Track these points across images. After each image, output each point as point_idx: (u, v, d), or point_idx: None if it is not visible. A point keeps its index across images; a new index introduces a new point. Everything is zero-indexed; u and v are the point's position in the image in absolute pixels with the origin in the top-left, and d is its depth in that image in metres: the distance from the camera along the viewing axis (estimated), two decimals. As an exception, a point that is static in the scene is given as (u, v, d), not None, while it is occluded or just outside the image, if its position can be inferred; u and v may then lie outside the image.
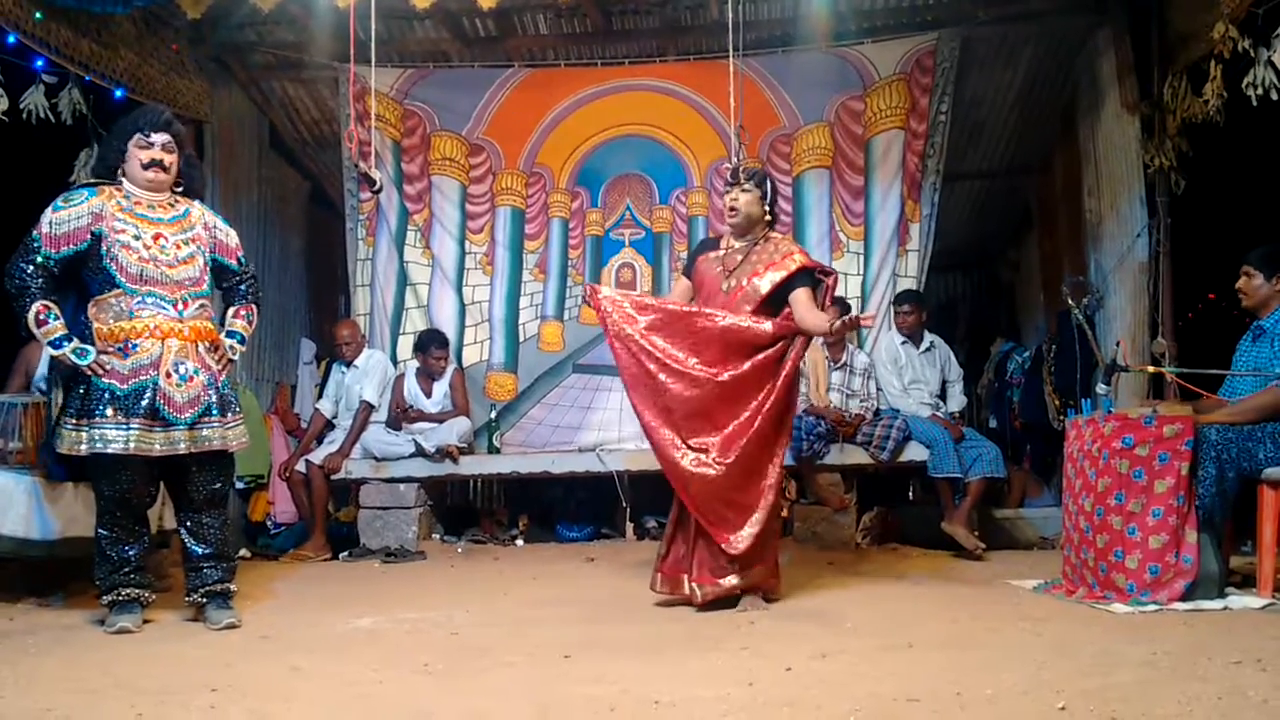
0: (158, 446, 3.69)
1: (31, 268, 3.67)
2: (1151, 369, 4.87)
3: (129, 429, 3.64)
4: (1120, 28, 6.13)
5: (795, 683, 2.71)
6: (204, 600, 3.84)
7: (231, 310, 4.08)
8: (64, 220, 3.70)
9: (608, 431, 6.62)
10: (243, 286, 4.10)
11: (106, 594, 3.74)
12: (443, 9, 6.22)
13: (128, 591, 3.73)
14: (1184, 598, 3.66)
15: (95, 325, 3.71)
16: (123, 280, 3.71)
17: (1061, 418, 6.30)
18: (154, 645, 3.45)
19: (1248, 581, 3.99)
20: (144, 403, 3.66)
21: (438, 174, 7.00)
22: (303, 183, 8.14)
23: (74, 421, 3.68)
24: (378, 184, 5.14)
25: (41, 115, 5.39)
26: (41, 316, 3.65)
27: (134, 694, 2.70)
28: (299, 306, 8.05)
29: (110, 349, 3.68)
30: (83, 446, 3.65)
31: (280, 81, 7.28)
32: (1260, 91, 4.64)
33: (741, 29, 5.49)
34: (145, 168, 3.83)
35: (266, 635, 3.59)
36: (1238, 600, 3.69)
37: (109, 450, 3.63)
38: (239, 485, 6.47)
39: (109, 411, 3.63)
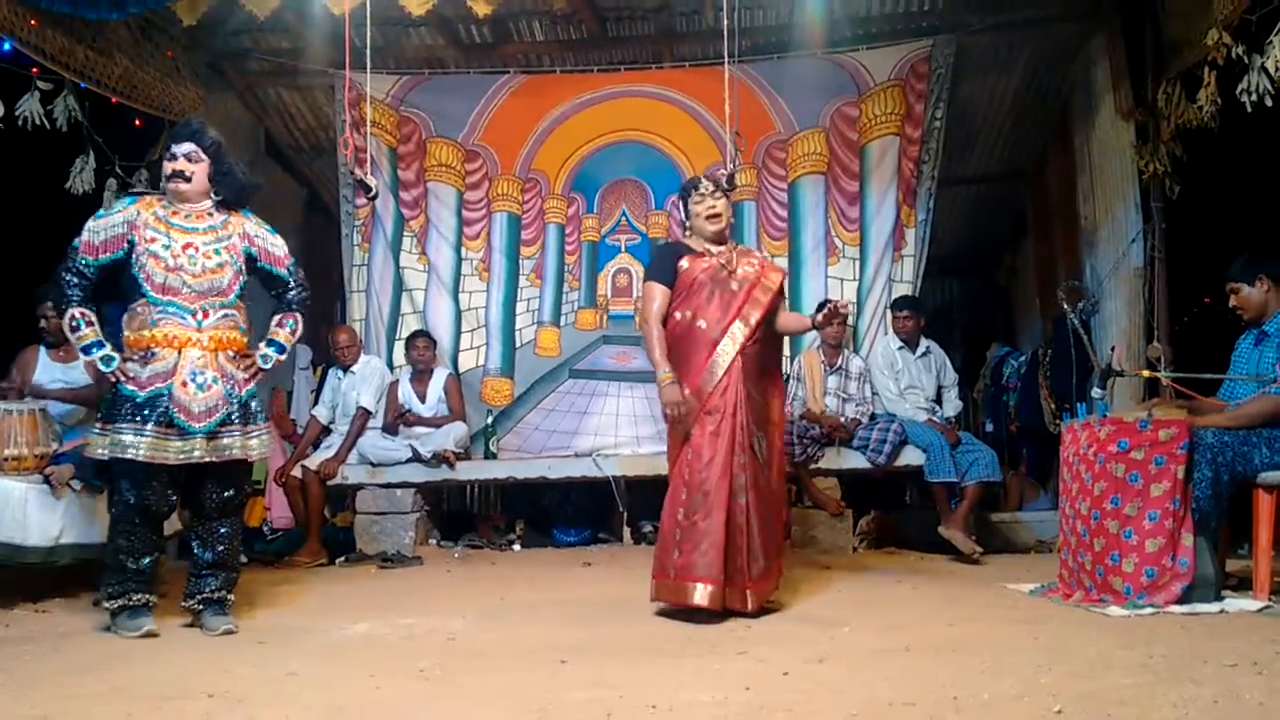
0: (171, 455, 3.70)
1: (71, 275, 3.76)
2: (1147, 373, 4.87)
3: (143, 435, 3.67)
4: (1114, 34, 6.15)
5: (793, 687, 2.71)
6: (200, 607, 3.84)
7: (276, 319, 4.15)
8: (102, 229, 3.78)
9: (604, 436, 6.62)
10: (289, 295, 4.16)
11: (115, 599, 3.71)
12: (438, 15, 6.22)
13: (139, 596, 3.73)
14: (1180, 601, 3.66)
15: (125, 333, 3.79)
16: (148, 289, 3.77)
17: (1057, 422, 6.30)
18: (150, 651, 3.44)
19: (1244, 584, 3.99)
20: (159, 411, 3.69)
21: (434, 180, 7.00)
22: (298, 189, 8.15)
23: (100, 426, 3.73)
24: (373, 190, 5.14)
25: (37, 122, 5.39)
26: (75, 323, 3.74)
27: (130, 700, 2.70)
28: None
29: (133, 356, 3.74)
30: (103, 451, 3.69)
31: (276, 88, 7.30)
32: (1254, 98, 4.64)
33: (737, 35, 5.51)
34: (169, 179, 3.91)
35: (263, 641, 3.59)
36: (1234, 603, 3.69)
37: (125, 455, 3.65)
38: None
39: (128, 418, 3.68)
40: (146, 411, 3.68)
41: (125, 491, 3.72)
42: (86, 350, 3.75)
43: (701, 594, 3.75)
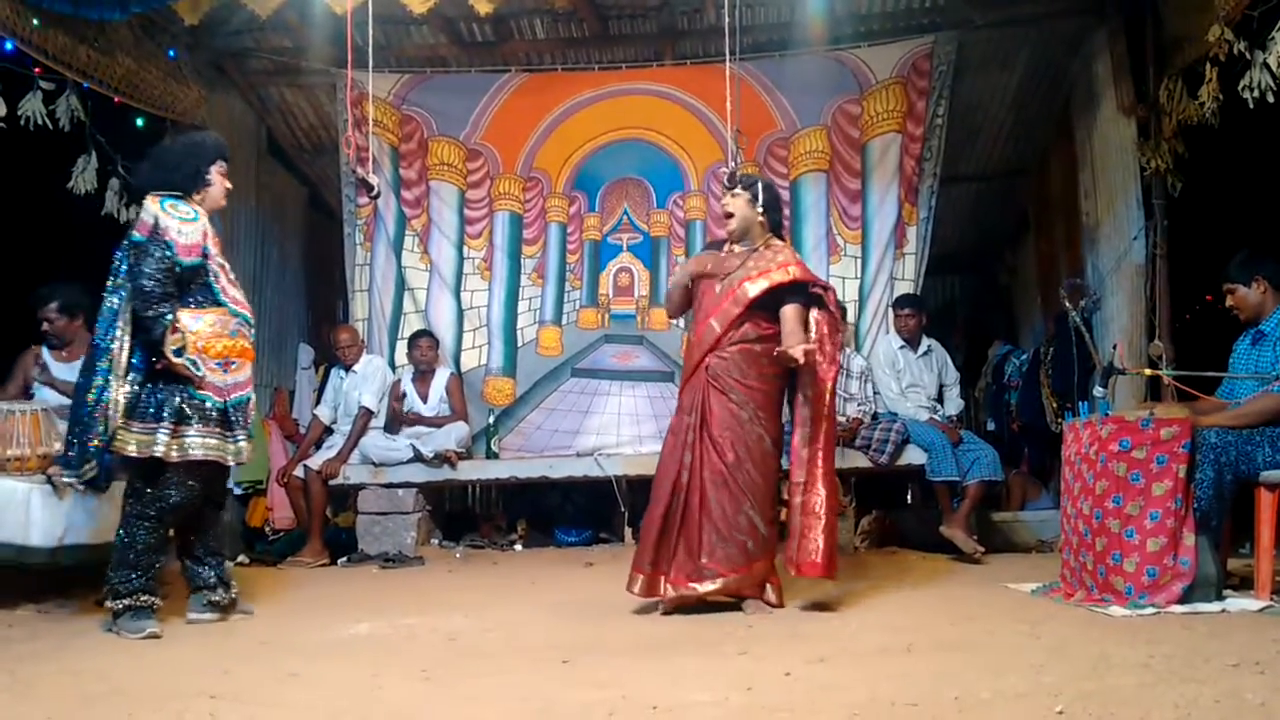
0: (244, 454, 3.96)
1: (168, 273, 3.73)
2: (1148, 371, 4.87)
3: (236, 440, 3.87)
4: (1116, 31, 6.14)
5: (794, 687, 2.71)
6: (236, 595, 4.02)
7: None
8: (191, 232, 3.81)
9: (606, 436, 6.62)
10: None
11: (125, 598, 3.72)
12: (440, 14, 6.23)
13: (146, 598, 3.76)
14: (1182, 600, 3.66)
15: (189, 336, 3.77)
16: (226, 300, 3.89)
17: (1059, 420, 6.30)
18: (152, 652, 3.45)
19: (1245, 584, 3.99)
20: (242, 416, 3.90)
21: (435, 179, 7.00)
22: (300, 188, 8.15)
23: (171, 428, 3.73)
24: (375, 189, 5.14)
25: (39, 122, 5.38)
26: (172, 324, 3.73)
27: (132, 701, 2.70)
28: (297, 312, 8.06)
29: (209, 364, 3.79)
30: (174, 453, 3.74)
31: (278, 87, 7.30)
32: (1256, 94, 4.63)
33: (738, 33, 5.49)
34: (225, 194, 4.04)
35: (265, 641, 3.59)
36: (1235, 603, 3.69)
37: (209, 457, 3.80)
38: (237, 491, 6.48)
39: (206, 423, 3.79)
40: (231, 417, 3.84)
41: (174, 491, 3.79)
42: (177, 353, 3.71)
43: (631, 581, 4.01)
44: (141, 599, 3.74)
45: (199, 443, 3.77)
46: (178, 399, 3.75)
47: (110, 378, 3.70)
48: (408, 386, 6.52)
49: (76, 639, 3.68)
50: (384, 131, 6.91)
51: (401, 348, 6.83)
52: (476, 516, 7.00)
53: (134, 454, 3.71)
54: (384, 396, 6.47)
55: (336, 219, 7.40)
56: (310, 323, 8.20)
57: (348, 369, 6.53)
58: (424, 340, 6.55)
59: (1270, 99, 4.60)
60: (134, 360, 3.74)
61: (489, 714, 2.57)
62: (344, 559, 5.97)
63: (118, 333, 3.73)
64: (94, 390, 3.71)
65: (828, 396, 4.00)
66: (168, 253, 3.73)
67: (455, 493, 7.19)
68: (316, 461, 6.24)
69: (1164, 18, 5.85)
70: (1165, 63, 5.79)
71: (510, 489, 6.90)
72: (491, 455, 6.53)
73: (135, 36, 5.94)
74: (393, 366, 6.77)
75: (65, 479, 3.96)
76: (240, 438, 3.89)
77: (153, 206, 3.79)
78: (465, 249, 7.00)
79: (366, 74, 5.28)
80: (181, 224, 3.79)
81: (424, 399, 6.49)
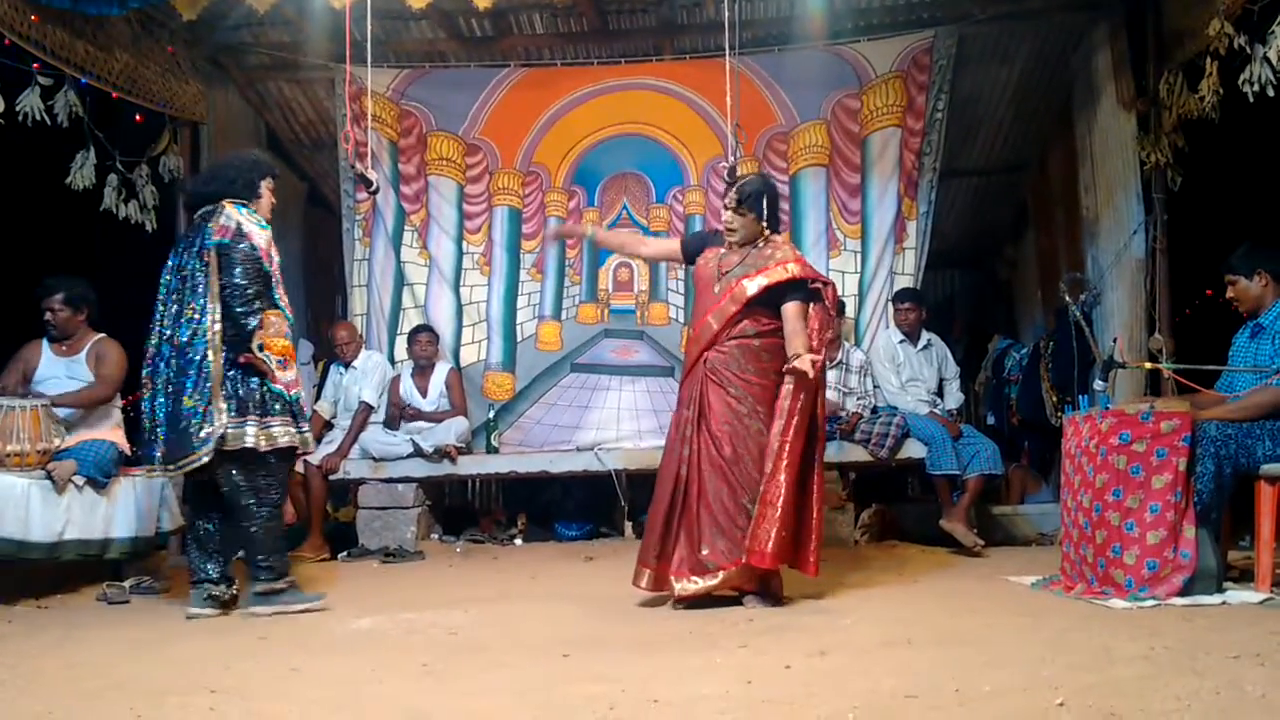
0: (309, 445, 4.33)
1: (257, 273, 4.00)
2: (1149, 365, 4.87)
3: (302, 431, 4.15)
4: (1116, 24, 6.14)
5: (794, 680, 2.71)
6: (237, 591, 4.12)
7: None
8: (266, 239, 4.07)
9: (605, 431, 6.62)
10: None
11: (284, 576, 4.06)
12: (438, 9, 6.21)
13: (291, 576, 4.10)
14: (1182, 593, 3.65)
15: (259, 336, 3.97)
16: (282, 305, 4.11)
17: (1059, 414, 6.30)
18: (154, 646, 3.44)
19: (1246, 576, 3.99)
20: (300, 410, 4.16)
21: (434, 174, 7.00)
22: (299, 184, 8.13)
23: (258, 419, 3.99)
24: (374, 185, 5.15)
25: (37, 117, 5.38)
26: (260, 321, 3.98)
27: (133, 695, 2.70)
28: (296, 307, 8.01)
29: (274, 360, 4.00)
30: (264, 443, 3.98)
31: (276, 82, 7.29)
32: (1256, 88, 4.64)
33: (738, 27, 5.50)
34: (271, 210, 4.24)
35: (265, 636, 3.59)
36: (1236, 595, 3.69)
37: (294, 443, 4.10)
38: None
39: (282, 413, 4.05)
40: (295, 408, 4.10)
41: (281, 476, 4.13)
42: (260, 348, 3.96)
43: (636, 575, 4.08)
44: (290, 576, 4.08)
45: (282, 431, 4.02)
46: (262, 391, 4.00)
47: (209, 374, 3.89)
48: (407, 382, 6.52)
49: (76, 633, 3.68)
50: (383, 126, 6.91)
51: (401, 343, 6.83)
52: (476, 511, 7.00)
53: (228, 447, 3.90)
54: (383, 392, 6.47)
55: (335, 214, 7.40)
56: (309, 318, 8.19)
57: (347, 365, 6.53)
58: (423, 335, 6.55)
59: (1270, 93, 4.60)
60: None
61: (489, 708, 2.56)
62: (344, 554, 5.97)
63: (207, 330, 3.91)
64: (189, 388, 3.90)
65: (805, 390, 3.95)
66: (255, 253, 3.96)
67: (455, 488, 7.19)
68: (316, 457, 6.23)
69: (1164, 12, 5.85)
70: (1165, 57, 5.80)
71: (510, 484, 6.91)
72: (491, 450, 6.53)
73: (133, 32, 5.94)
74: (392, 362, 6.78)
75: (157, 474, 4.27)
76: (305, 429, 4.16)
77: (233, 212, 4.00)
78: (464, 244, 7.00)
79: (365, 69, 5.28)
80: (259, 230, 4.04)
81: (423, 394, 6.49)
